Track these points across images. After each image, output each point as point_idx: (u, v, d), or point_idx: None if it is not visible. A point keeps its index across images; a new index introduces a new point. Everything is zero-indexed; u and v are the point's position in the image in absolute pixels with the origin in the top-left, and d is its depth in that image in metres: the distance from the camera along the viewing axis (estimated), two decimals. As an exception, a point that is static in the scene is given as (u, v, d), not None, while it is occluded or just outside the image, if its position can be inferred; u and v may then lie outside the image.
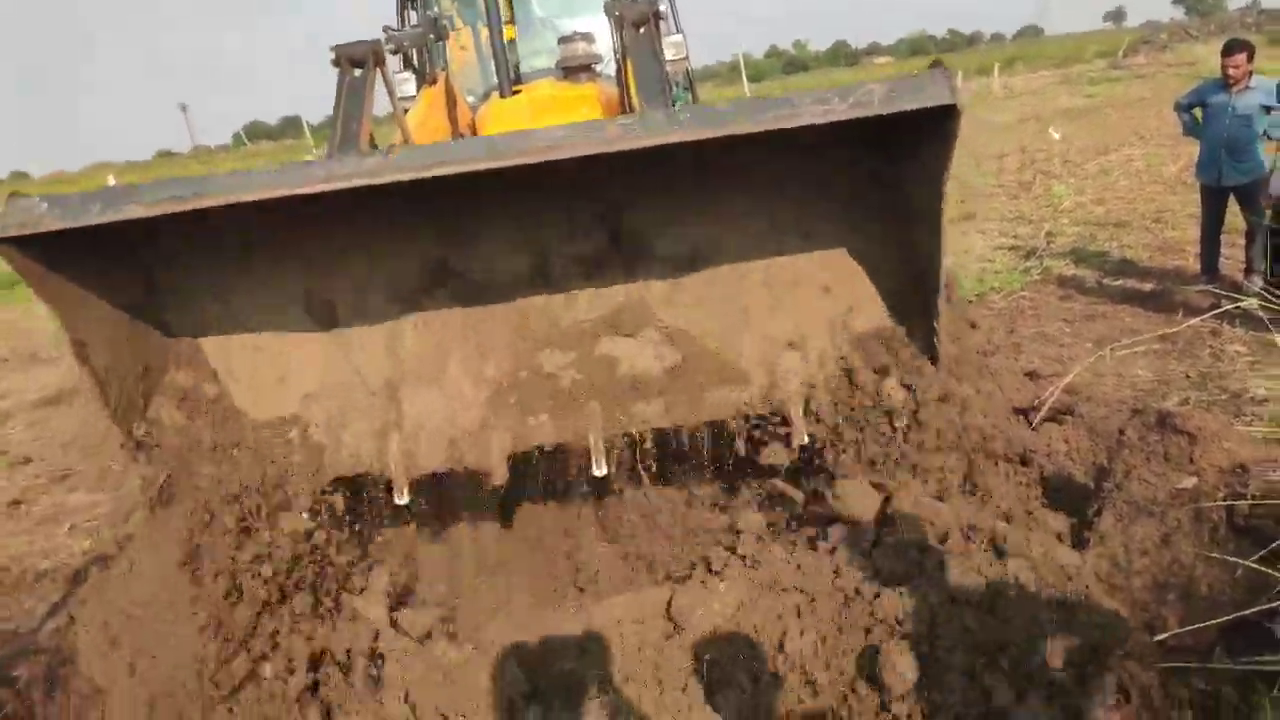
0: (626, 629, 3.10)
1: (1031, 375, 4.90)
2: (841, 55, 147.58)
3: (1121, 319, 6.34)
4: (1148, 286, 6.92)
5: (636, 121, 2.53)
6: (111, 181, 18.41)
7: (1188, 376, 5.12)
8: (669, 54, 4.97)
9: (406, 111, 4.43)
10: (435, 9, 5.59)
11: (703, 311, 3.29)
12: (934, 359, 3.13)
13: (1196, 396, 4.80)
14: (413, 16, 5.64)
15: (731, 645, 2.88)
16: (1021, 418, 4.29)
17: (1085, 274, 7.63)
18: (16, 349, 11.11)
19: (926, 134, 2.62)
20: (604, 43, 5.07)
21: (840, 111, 2.43)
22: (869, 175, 3.10)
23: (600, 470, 3.17)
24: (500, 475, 3.20)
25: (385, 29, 4.83)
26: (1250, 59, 6.22)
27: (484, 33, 5.26)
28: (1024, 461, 3.84)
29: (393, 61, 4.64)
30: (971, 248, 9.27)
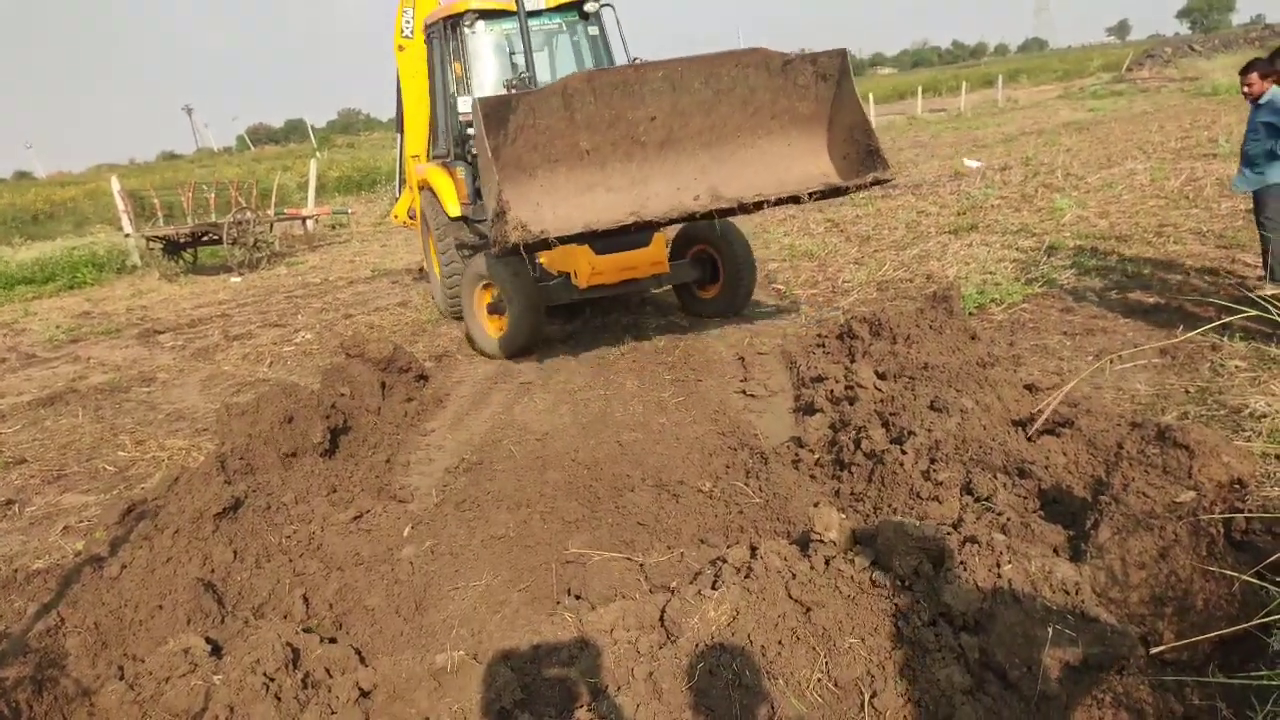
0: (620, 636, 3.09)
1: (1031, 388, 4.88)
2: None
3: (1122, 332, 6.32)
4: (1149, 300, 6.90)
5: None
6: (116, 184, 18.42)
7: (1187, 391, 5.10)
8: None
9: None
10: (471, 53, 8.10)
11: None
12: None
13: (1196, 411, 4.78)
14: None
15: (725, 655, 2.86)
16: (1020, 430, 4.27)
17: (1086, 287, 7.61)
18: (15, 348, 11.12)
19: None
20: None
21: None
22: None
23: None
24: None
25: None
26: (1263, 77, 6.30)
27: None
28: (1022, 473, 3.82)
29: None
30: (973, 259, 9.27)
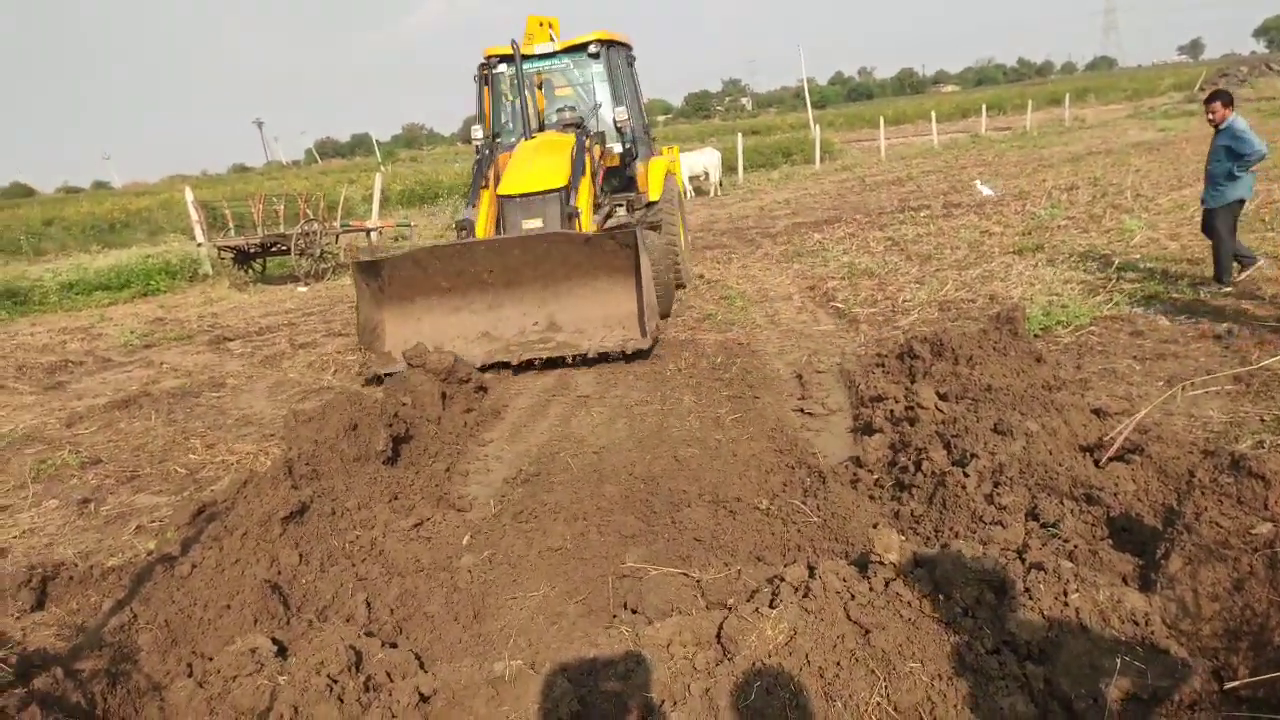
0: (676, 651, 3.09)
1: (1099, 413, 4.78)
2: (907, 83, 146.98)
3: (1194, 358, 6.15)
4: (1221, 325, 6.71)
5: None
6: (189, 195, 19.00)
7: (1263, 419, 4.94)
8: (618, 117, 9.36)
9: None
10: (500, 91, 9.90)
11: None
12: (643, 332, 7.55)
13: (1272, 439, 4.63)
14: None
15: (783, 675, 2.84)
16: (1088, 455, 4.19)
17: (1157, 311, 7.44)
18: (92, 352, 11.51)
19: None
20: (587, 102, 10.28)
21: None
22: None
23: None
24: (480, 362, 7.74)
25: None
26: (1224, 106, 7.58)
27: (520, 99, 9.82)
28: (1090, 500, 3.74)
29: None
30: (1038, 280, 9.11)
